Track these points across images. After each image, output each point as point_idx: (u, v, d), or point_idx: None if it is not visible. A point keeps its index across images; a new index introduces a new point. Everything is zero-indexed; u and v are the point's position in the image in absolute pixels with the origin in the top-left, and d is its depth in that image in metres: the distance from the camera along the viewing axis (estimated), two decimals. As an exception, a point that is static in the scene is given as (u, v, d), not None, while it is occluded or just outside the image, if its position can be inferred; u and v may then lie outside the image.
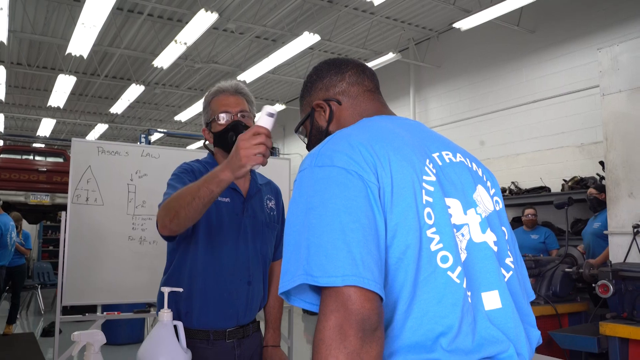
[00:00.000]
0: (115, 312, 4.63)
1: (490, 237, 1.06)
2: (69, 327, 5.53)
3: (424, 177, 1.00)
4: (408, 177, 0.97)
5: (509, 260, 1.09)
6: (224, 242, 1.81)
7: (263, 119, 1.43)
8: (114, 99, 12.71)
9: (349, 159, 0.96)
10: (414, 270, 0.93)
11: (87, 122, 15.17)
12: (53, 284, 9.29)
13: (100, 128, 15.45)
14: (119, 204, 4.15)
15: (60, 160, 11.76)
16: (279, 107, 12.08)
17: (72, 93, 11.70)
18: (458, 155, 1.12)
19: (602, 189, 5.16)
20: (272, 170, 5.05)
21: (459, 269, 0.95)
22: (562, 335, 4.00)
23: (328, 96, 1.23)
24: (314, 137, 1.25)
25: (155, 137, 12.90)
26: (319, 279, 0.86)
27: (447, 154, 1.10)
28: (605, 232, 4.68)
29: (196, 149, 11.10)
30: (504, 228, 1.12)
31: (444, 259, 0.95)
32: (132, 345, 6.44)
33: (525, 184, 7.29)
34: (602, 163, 5.60)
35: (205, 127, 1.93)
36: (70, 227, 3.97)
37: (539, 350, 3.98)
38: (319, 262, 0.87)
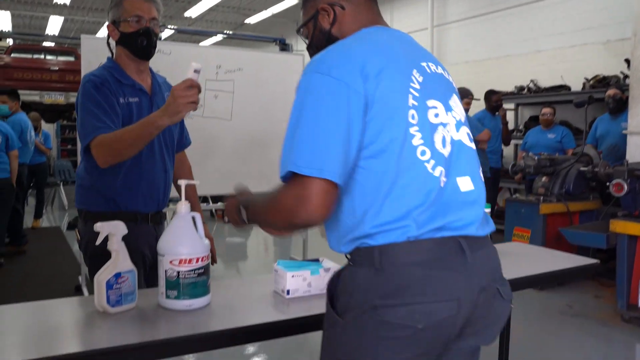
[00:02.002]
0: (136, 208, 4.77)
1: (463, 135, 1.27)
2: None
3: (411, 84, 1.18)
4: (397, 85, 1.16)
5: (473, 160, 1.30)
6: None
7: (192, 74, 1.65)
8: (122, -6, 12.27)
9: (343, 71, 1.13)
10: (396, 160, 1.13)
11: (96, 19, 14.78)
12: (74, 181, 9.52)
13: (110, 25, 15.06)
14: (133, 102, 4.14)
15: (72, 59, 11.61)
16: (292, 0, 11.64)
17: (79, -12, 11.31)
18: (439, 67, 1.30)
19: (624, 88, 5.02)
20: (286, 66, 4.99)
21: (432, 161, 1.16)
22: (572, 232, 4.08)
23: (333, 0, 1.31)
24: (317, 38, 1.36)
25: (165, 34, 12.61)
26: (301, 169, 1.10)
27: (431, 65, 1.27)
28: (624, 131, 4.60)
29: (210, 45, 10.87)
30: (469, 131, 1.32)
31: (423, 153, 1.16)
32: (153, 239, 6.69)
33: (545, 82, 7.10)
34: (627, 61, 5.40)
35: (111, 24, 2.00)
36: (87, 124, 3.99)
37: (550, 244, 4.08)
38: (302, 154, 1.10)
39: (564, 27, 7.09)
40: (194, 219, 1.59)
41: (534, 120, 6.94)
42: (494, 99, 6.28)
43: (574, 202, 4.80)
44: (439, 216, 1.16)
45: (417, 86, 1.19)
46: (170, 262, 1.51)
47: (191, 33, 13.99)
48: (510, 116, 7.51)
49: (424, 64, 1.25)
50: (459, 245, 1.16)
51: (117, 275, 1.50)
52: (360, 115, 1.12)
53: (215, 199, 7.05)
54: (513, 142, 7.32)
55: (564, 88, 6.69)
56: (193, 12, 13.25)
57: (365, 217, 1.15)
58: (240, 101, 4.60)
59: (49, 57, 11.59)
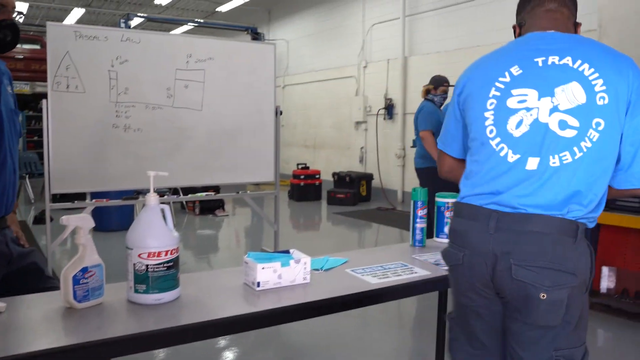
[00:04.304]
0: (104, 200, 4.70)
1: (554, 120, 1.41)
2: (60, 214, 5.62)
3: (499, 79, 1.50)
4: (482, 83, 1.54)
5: (583, 145, 1.39)
6: None
7: None
8: (89, -20, 11.99)
9: (457, 82, 1.65)
10: (472, 137, 1.54)
11: (62, 5, 14.42)
12: (40, 173, 9.32)
13: (77, 13, 14.71)
14: (100, 91, 4.07)
15: (37, 47, 11.32)
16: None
17: (44, -27, 10.99)
18: (566, 59, 1.45)
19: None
20: (257, 55, 4.94)
21: (497, 139, 1.47)
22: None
23: (518, 20, 1.67)
24: None
25: (135, 22, 12.34)
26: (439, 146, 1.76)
27: (553, 58, 1.46)
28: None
29: (180, 34, 10.71)
30: (600, 120, 1.39)
31: (491, 132, 1.48)
32: (122, 231, 6.59)
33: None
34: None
35: None
36: (53, 115, 3.91)
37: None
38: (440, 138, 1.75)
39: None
40: (163, 211, 1.57)
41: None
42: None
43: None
44: (489, 184, 1.46)
45: (506, 79, 1.49)
46: (139, 255, 1.49)
47: (161, 21, 13.76)
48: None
49: (538, 59, 1.47)
50: (487, 216, 1.43)
51: (84, 270, 1.48)
52: (452, 109, 1.66)
53: (186, 190, 6.99)
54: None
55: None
56: (163, 0, 13.03)
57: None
58: (211, 91, 4.55)
59: (13, 44, 11.24)
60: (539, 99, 1.42)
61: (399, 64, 9.40)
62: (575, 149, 1.39)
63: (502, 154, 1.44)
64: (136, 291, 1.50)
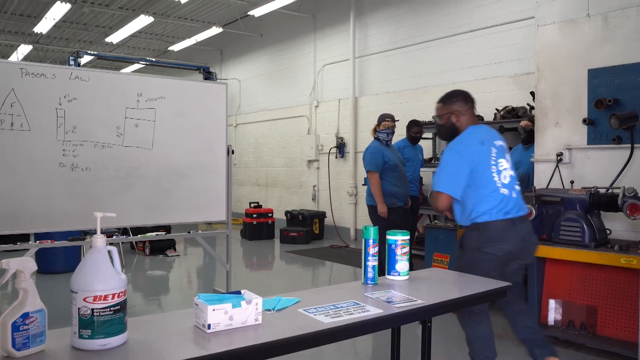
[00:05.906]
0: (49, 241, 4.54)
1: (512, 172, 2.94)
2: (1, 257, 5.37)
3: (493, 150, 2.88)
4: (486, 152, 2.87)
5: (517, 185, 2.96)
6: None
7: None
8: (38, 17, 11.82)
9: (468, 143, 2.90)
10: (484, 185, 2.85)
11: (9, 42, 14.12)
12: None
13: (24, 49, 14.42)
14: (47, 130, 3.97)
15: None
16: (216, 29, 11.63)
17: (-11, 10, 10.77)
18: (499, 142, 2.95)
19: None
20: (209, 95, 4.94)
21: (500, 185, 2.85)
22: (487, 256, 4.25)
23: (457, 108, 2.99)
24: (447, 127, 3.05)
25: (85, 59, 12.20)
26: (438, 188, 2.89)
27: (497, 142, 2.93)
28: (532, 159, 4.89)
29: (131, 73, 10.61)
30: (512, 171, 2.95)
31: (496, 182, 2.85)
32: (68, 273, 6.35)
33: (460, 113, 7.45)
34: (532, 93, 5.77)
35: None
36: (-5, 154, 3.78)
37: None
38: (440, 182, 2.88)
39: (476, 61, 7.52)
40: (110, 252, 1.53)
41: (451, 149, 7.21)
42: (413, 130, 6.48)
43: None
44: (505, 208, 2.83)
45: (493, 155, 2.87)
46: (84, 299, 1.44)
47: (112, 59, 13.62)
48: (428, 145, 7.81)
49: (496, 142, 2.93)
50: (512, 221, 2.84)
51: (25, 316, 1.42)
52: (467, 167, 2.83)
53: (136, 230, 6.82)
54: (432, 169, 7.60)
55: (477, 118, 7.02)
56: (115, 38, 12.94)
57: (473, 210, 2.85)
58: (162, 130, 4.51)
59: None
60: (507, 163, 2.92)
61: (350, 103, 9.59)
62: (517, 183, 2.96)
63: (503, 193, 2.84)
64: (81, 337, 1.45)
